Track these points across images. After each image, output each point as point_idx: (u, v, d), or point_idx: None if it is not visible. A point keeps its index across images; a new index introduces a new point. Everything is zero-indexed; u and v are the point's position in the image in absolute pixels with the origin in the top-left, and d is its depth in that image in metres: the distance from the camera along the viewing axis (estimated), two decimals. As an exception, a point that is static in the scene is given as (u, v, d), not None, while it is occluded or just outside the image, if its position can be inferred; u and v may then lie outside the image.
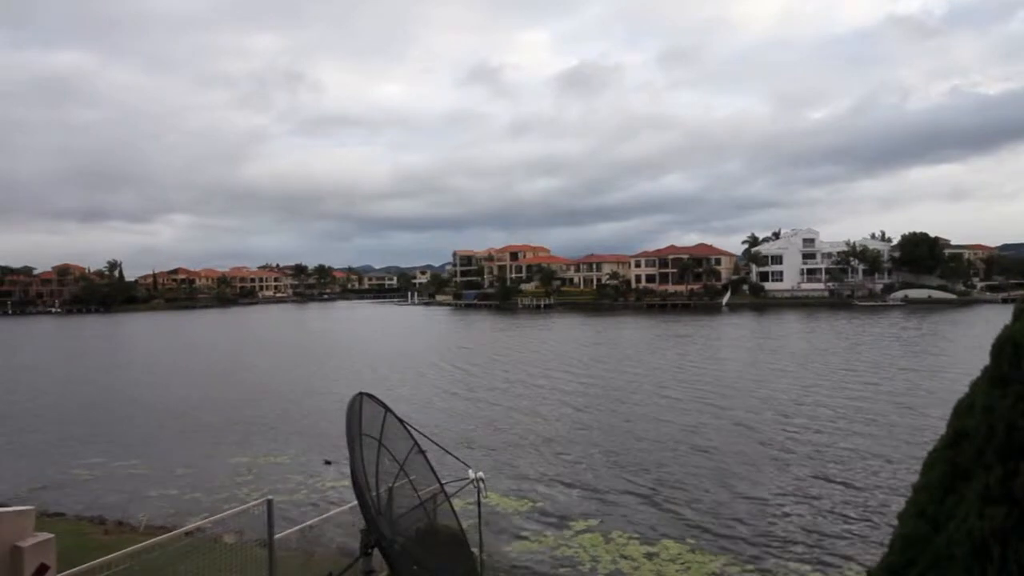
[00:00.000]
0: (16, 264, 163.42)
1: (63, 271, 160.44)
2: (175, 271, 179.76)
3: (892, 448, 19.50)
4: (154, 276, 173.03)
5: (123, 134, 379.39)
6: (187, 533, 7.83)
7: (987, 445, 1.76)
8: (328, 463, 19.38)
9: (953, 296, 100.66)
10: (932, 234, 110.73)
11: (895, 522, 2.09)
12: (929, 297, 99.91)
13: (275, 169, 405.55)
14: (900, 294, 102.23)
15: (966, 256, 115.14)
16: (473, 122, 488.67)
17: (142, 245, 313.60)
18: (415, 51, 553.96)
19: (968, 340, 47.27)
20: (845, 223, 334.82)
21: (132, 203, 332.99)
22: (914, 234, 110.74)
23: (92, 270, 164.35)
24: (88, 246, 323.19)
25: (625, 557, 12.41)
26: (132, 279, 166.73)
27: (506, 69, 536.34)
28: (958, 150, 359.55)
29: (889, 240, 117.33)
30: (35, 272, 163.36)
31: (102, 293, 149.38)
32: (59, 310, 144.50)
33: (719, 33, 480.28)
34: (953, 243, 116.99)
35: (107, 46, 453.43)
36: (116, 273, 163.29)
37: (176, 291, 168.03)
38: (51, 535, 3.87)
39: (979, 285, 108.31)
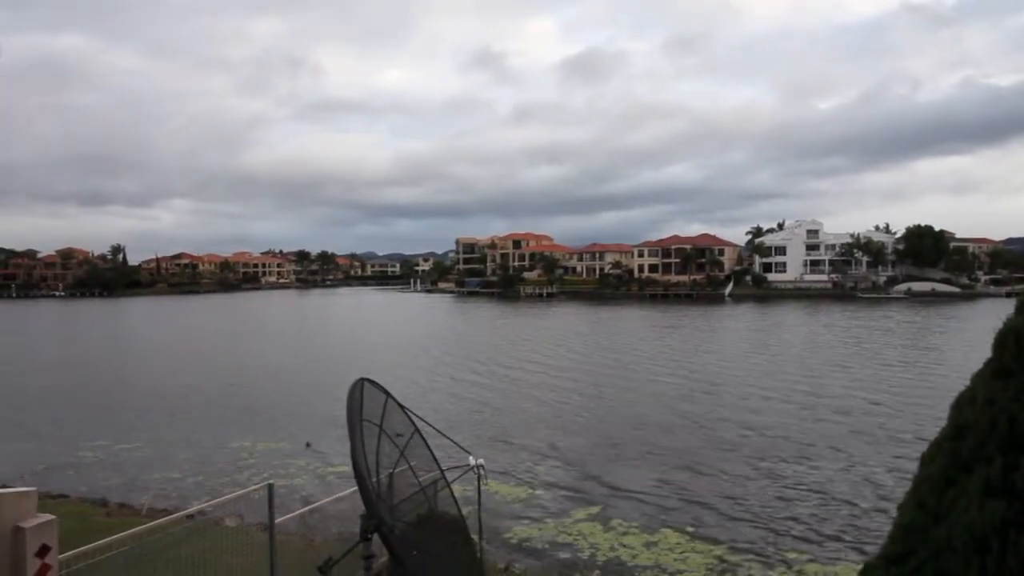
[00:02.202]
0: (17, 247, 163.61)
1: (67, 255, 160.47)
2: (178, 256, 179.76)
3: (891, 441, 19.53)
4: (157, 261, 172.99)
5: (123, 118, 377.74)
6: (189, 516, 7.89)
7: (988, 438, 1.75)
8: (308, 445, 19.74)
9: (957, 289, 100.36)
10: (937, 227, 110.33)
11: (893, 513, 2.09)
12: (932, 290, 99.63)
13: (276, 154, 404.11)
14: (903, 287, 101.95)
15: (970, 249, 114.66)
16: (476, 108, 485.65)
17: (142, 230, 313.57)
18: (417, 37, 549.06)
19: (964, 335, 47.19)
20: (850, 215, 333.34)
21: (132, 187, 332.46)
22: (918, 227, 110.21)
23: (96, 254, 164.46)
24: (88, 230, 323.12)
25: (624, 545, 12.47)
26: (135, 263, 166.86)
27: (509, 55, 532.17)
28: (967, 142, 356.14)
29: (893, 233, 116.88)
30: (39, 255, 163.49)
31: (106, 277, 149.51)
32: (63, 294, 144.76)
33: (726, 21, 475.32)
34: (958, 236, 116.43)
35: (108, 30, 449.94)
36: (120, 257, 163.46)
37: (179, 276, 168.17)
38: (53, 516, 3.89)
39: (983, 279, 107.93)
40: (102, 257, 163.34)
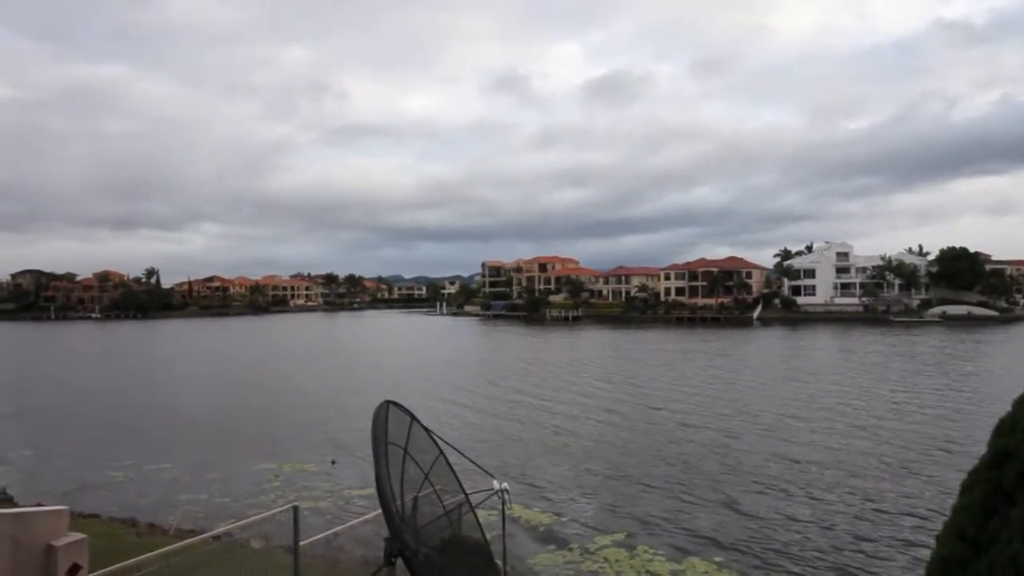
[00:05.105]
0: (55, 270, 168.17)
1: (103, 278, 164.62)
2: (210, 279, 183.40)
3: (927, 475, 18.95)
4: (190, 284, 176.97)
5: (154, 144, 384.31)
6: (215, 537, 7.93)
7: (1031, 466, 1.69)
8: (334, 463, 20.15)
9: (994, 313, 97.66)
10: (973, 249, 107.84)
11: (931, 544, 2.02)
12: (968, 314, 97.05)
13: (302, 178, 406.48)
14: (938, 310, 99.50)
15: (1008, 272, 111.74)
16: (500, 132, 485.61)
17: (173, 253, 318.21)
18: (442, 61, 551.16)
19: (1006, 359, 45.74)
20: (881, 237, 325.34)
21: (163, 211, 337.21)
22: (953, 249, 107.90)
23: (131, 277, 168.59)
24: (121, 253, 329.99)
25: (650, 572, 12.22)
26: (167, 286, 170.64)
27: (534, 78, 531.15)
28: (1005, 161, 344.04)
29: (926, 254, 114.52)
30: (76, 278, 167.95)
31: (140, 300, 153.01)
32: (99, 316, 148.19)
33: (753, 43, 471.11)
34: (995, 258, 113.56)
35: (141, 58, 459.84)
36: (154, 280, 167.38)
37: (211, 299, 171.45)
38: (84, 535, 3.95)
39: (1022, 302, 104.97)
40: (137, 280, 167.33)
